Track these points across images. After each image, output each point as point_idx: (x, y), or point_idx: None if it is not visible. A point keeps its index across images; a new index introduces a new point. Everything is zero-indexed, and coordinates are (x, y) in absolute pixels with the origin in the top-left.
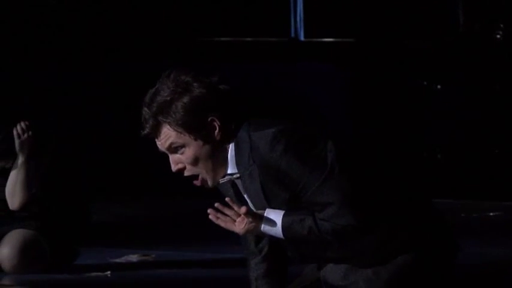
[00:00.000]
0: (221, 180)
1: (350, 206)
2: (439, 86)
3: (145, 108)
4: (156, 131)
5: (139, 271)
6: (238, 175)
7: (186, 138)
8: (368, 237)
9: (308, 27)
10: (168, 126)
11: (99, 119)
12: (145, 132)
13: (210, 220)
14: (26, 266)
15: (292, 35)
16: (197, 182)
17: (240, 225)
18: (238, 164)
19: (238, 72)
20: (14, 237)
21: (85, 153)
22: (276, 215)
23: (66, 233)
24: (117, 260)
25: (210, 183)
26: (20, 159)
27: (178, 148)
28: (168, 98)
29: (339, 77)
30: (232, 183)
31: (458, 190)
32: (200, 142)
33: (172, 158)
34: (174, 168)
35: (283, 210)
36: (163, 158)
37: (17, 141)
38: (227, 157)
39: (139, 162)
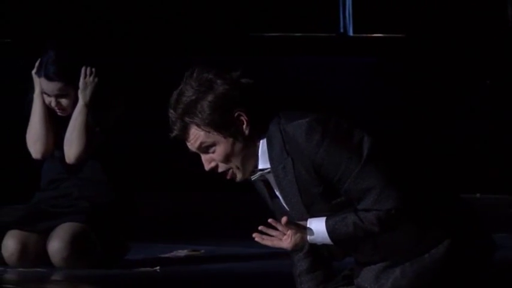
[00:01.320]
0: (252, 177)
1: (391, 189)
2: (487, 81)
3: (172, 111)
4: (184, 132)
5: (188, 266)
6: (269, 170)
7: (215, 136)
8: (404, 227)
9: (357, 22)
10: (196, 127)
11: (142, 110)
12: (174, 134)
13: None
14: (75, 259)
15: (341, 30)
16: (227, 176)
17: (286, 241)
18: (270, 158)
19: (288, 67)
20: (64, 230)
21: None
22: (318, 222)
23: (116, 227)
24: (166, 255)
25: (239, 178)
26: (80, 103)
27: (208, 147)
28: (193, 98)
29: (387, 72)
30: (264, 180)
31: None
32: (230, 139)
33: (204, 157)
34: (207, 167)
35: (321, 210)
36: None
37: (81, 81)
38: (258, 151)
39: (183, 156)
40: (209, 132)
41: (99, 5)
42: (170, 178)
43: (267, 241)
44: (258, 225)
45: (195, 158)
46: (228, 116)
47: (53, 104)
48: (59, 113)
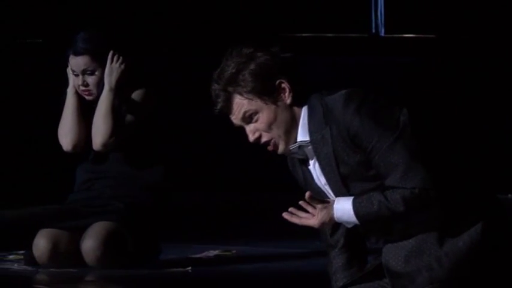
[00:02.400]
0: (291, 147)
1: (418, 168)
2: None
3: (215, 84)
4: (228, 103)
5: (220, 266)
6: (308, 142)
7: (258, 103)
8: (434, 212)
9: (389, 22)
10: (239, 96)
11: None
12: (218, 107)
13: (288, 215)
14: (109, 258)
15: (373, 30)
16: (270, 147)
17: (313, 218)
18: (310, 130)
19: (319, 67)
20: (97, 229)
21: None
22: (345, 200)
23: (149, 227)
24: (198, 256)
25: (281, 148)
26: (105, 88)
27: (252, 116)
28: (235, 70)
29: (418, 72)
30: (300, 159)
31: None
32: (272, 106)
33: (248, 128)
34: (251, 138)
35: (357, 182)
36: (238, 153)
37: (108, 65)
38: (298, 123)
39: (215, 156)
40: (252, 99)
41: (131, 7)
42: (202, 178)
43: (295, 219)
44: (289, 226)
45: (227, 158)
46: (270, 83)
47: (80, 82)
48: (86, 98)
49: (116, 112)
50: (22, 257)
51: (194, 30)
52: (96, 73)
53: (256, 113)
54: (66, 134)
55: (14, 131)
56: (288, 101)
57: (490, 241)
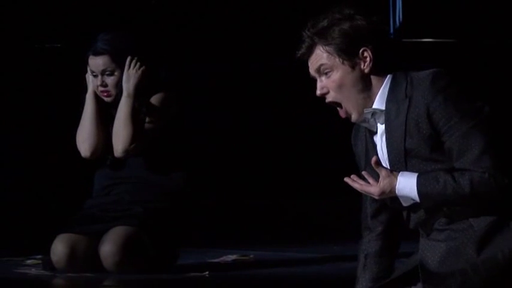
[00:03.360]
0: (366, 111)
1: (492, 154)
2: None
3: (306, 31)
4: (310, 51)
5: (237, 271)
6: (383, 110)
7: (335, 60)
8: (496, 198)
9: (407, 27)
10: (321, 48)
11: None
12: (300, 52)
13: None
14: (127, 263)
15: (392, 35)
16: (342, 113)
17: (375, 186)
18: (388, 99)
19: None
20: (116, 233)
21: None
22: (411, 174)
23: (169, 232)
24: (216, 260)
25: (354, 116)
26: (123, 94)
27: (326, 71)
28: (328, 23)
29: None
30: (369, 131)
31: None
32: (348, 68)
33: (319, 81)
34: (318, 92)
35: (419, 158)
36: (258, 157)
37: (125, 71)
38: (376, 92)
39: (235, 160)
40: (331, 54)
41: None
42: (221, 182)
43: (356, 185)
44: (306, 231)
45: (247, 162)
46: (355, 47)
47: (99, 83)
48: (105, 99)
49: (135, 118)
50: (40, 261)
51: (222, 36)
52: (116, 73)
53: (331, 70)
54: (85, 141)
55: (31, 136)
56: (367, 69)
57: None
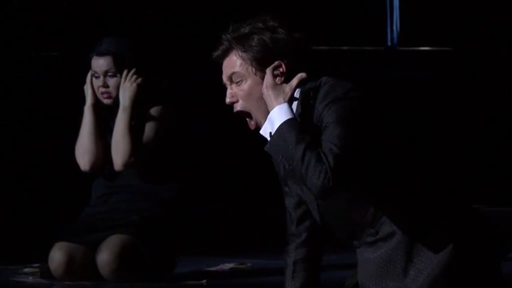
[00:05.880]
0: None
1: (344, 149)
2: None
3: (226, 34)
4: (224, 55)
5: (235, 279)
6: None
7: (248, 70)
8: (401, 219)
9: (405, 35)
10: (237, 53)
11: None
12: (216, 54)
13: None
14: (124, 271)
15: (389, 43)
16: (251, 125)
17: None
18: (298, 111)
19: None
20: (113, 242)
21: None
22: (290, 113)
23: (165, 240)
24: (213, 269)
25: (259, 124)
26: (120, 107)
27: (237, 79)
28: (248, 31)
29: (435, 85)
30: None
31: None
32: (259, 79)
33: (229, 89)
34: (228, 100)
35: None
36: (254, 165)
37: (121, 84)
38: None
39: (230, 169)
40: (245, 62)
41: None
42: (217, 190)
43: None
44: None
45: (241, 171)
46: (270, 58)
47: (100, 83)
48: (105, 101)
49: (133, 131)
50: (38, 270)
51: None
52: (118, 75)
53: (242, 78)
54: (84, 155)
55: (29, 145)
56: (278, 82)
57: (463, 259)
